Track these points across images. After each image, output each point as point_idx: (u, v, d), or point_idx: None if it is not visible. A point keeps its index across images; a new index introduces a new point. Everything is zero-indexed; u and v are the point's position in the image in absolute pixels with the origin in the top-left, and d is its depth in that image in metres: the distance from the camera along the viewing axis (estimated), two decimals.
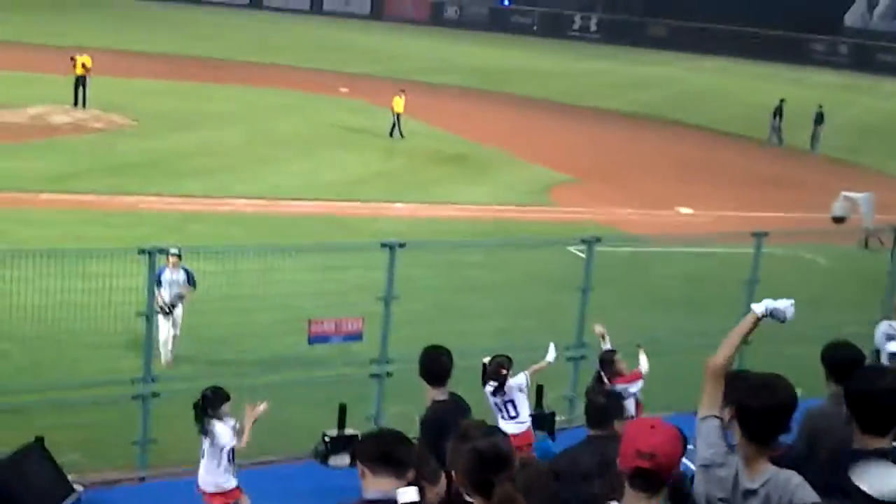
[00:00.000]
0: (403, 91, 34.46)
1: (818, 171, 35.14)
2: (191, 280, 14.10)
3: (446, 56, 62.39)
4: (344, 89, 44.89)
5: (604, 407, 7.06)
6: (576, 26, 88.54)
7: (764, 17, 78.66)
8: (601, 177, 30.89)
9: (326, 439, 11.37)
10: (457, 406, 8.08)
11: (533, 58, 66.21)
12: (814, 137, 40.65)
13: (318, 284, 14.25)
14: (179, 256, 13.93)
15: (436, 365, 8.08)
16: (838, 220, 18.21)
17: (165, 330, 14.01)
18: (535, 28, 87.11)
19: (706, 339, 14.25)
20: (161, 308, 13.48)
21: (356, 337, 12.11)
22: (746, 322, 5.14)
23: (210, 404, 9.37)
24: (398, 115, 34.02)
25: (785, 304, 5.09)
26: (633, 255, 19.89)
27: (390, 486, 4.45)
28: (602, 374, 11.21)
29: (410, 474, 4.53)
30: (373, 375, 12.08)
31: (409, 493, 4.45)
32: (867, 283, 16.66)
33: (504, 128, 38.49)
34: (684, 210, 27.07)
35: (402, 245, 12.19)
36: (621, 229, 23.33)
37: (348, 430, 11.51)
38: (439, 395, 8.07)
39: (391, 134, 34.02)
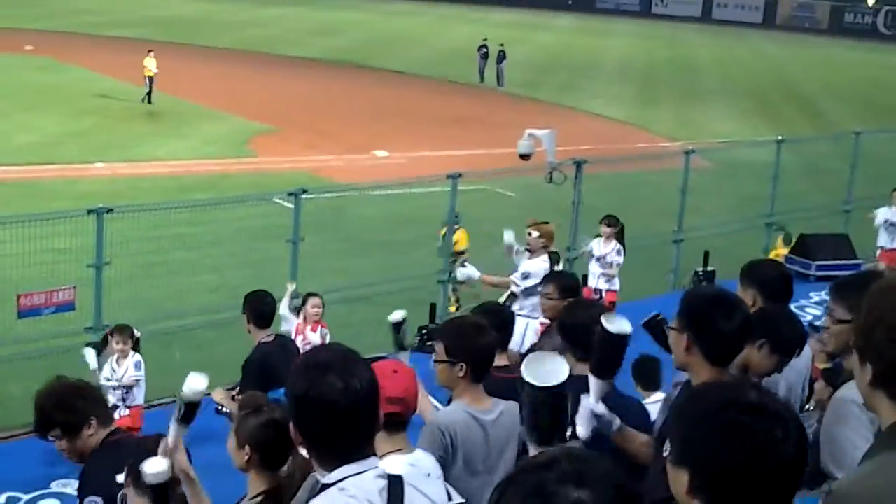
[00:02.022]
0: (151, 51, 33.07)
1: (506, 107, 36.86)
2: None
3: (131, 8, 60.52)
4: (29, 47, 42.77)
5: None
6: None
7: None
8: (299, 125, 31.24)
9: None
10: (283, 346, 8.35)
11: (219, 7, 65.25)
12: (499, 75, 42.66)
13: (26, 255, 13.98)
14: None
15: (263, 306, 8.41)
16: (524, 156, 19.33)
17: None
18: None
19: (409, 281, 15.18)
20: None
21: (68, 306, 12.09)
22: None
23: None
24: (150, 77, 32.42)
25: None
26: (337, 201, 20.47)
27: None
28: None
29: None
30: (88, 344, 12.12)
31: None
32: (556, 214, 17.99)
33: (197, 80, 38.03)
34: (380, 153, 27.91)
35: (109, 211, 12.24)
36: (322, 175, 23.92)
37: None
38: (266, 336, 8.40)
39: (148, 99, 32.40)
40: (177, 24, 54.10)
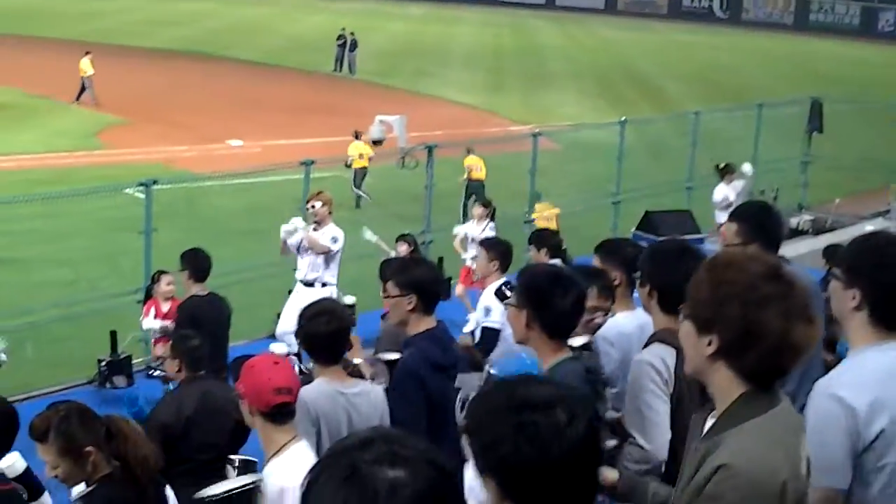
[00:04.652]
0: (89, 52, 32.46)
1: (358, 95, 36.98)
2: None
3: None
4: None
5: (200, 346, 6.89)
6: None
7: None
8: (150, 116, 30.81)
9: None
10: (213, 303, 9.03)
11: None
12: (351, 64, 42.76)
13: None
14: None
15: (200, 261, 9.15)
16: (377, 142, 19.71)
17: None
18: None
19: (268, 269, 15.22)
20: None
21: None
22: None
23: None
24: (87, 77, 31.87)
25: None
26: (193, 191, 20.38)
27: None
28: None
29: None
30: None
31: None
32: (410, 199, 18.31)
33: (42, 72, 37.00)
34: (235, 143, 27.80)
35: None
36: (175, 166, 23.71)
37: None
38: (200, 290, 9.10)
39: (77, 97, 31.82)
40: (16, 16, 52.47)
